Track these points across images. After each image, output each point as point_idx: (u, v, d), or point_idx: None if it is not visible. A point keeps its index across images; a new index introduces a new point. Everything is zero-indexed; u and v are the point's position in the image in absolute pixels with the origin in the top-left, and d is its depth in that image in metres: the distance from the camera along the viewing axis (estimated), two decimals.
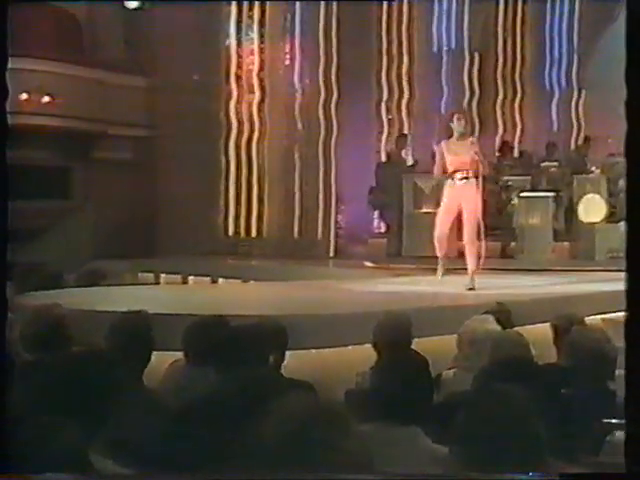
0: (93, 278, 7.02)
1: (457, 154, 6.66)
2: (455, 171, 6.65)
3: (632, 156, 2.40)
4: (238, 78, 11.09)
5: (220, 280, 9.24)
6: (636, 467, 2.16)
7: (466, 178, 6.62)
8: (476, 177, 6.61)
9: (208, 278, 9.36)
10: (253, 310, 5.22)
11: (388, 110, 12.44)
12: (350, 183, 11.42)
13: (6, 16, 2.69)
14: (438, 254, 6.86)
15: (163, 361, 3.51)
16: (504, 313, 4.10)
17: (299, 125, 11.01)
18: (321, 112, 11.11)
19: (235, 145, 11.12)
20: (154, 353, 3.25)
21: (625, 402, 2.35)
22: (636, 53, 2.37)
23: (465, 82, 13.04)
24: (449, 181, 6.74)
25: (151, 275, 9.77)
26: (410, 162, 11.81)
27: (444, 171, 6.74)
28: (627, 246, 2.34)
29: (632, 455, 2.21)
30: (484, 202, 6.79)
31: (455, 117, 6.76)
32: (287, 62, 11.09)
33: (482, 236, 6.61)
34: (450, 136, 6.76)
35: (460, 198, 6.66)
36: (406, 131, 12.24)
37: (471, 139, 6.80)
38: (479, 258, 6.64)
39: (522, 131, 13.32)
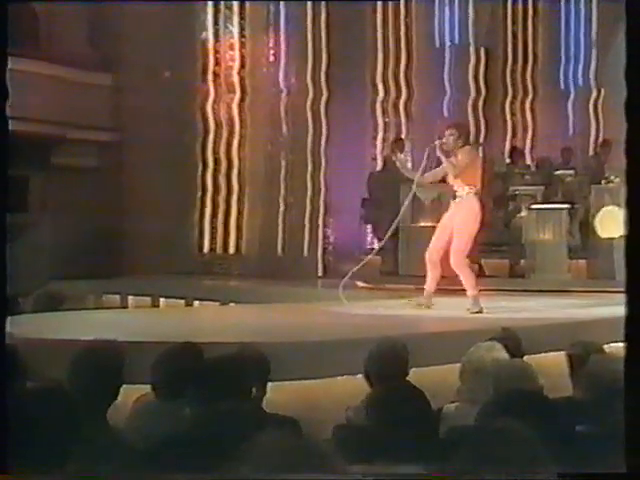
0: (51, 302, 6.99)
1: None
2: (453, 188, 6.86)
3: (632, 156, 2.56)
4: (216, 76, 11.16)
5: (195, 303, 9.24)
6: (636, 467, 2.27)
7: (459, 197, 6.81)
8: (475, 194, 6.75)
9: (181, 300, 9.36)
10: (231, 337, 5.23)
11: (384, 112, 12.52)
12: (341, 193, 11.48)
13: (6, 16, 2.82)
14: (428, 270, 6.93)
15: (129, 396, 3.51)
16: (512, 340, 4.13)
17: (284, 129, 11.07)
18: (309, 114, 11.18)
19: (212, 151, 11.16)
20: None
21: (625, 402, 2.45)
22: (636, 53, 2.49)
23: (470, 81, 13.14)
24: (452, 199, 6.95)
25: (117, 297, 9.76)
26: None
27: (442, 181, 6.85)
28: (627, 245, 2.49)
29: (632, 455, 2.34)
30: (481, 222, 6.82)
31: (447, 132, 6.85)
32: (271, 58, 11.16)
33: (474, 258, 6.80)
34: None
35: (454, 214, 6.83)
36: (404, 135, 12.32)
37: (461, 151, 6.83)
38: (474, 279, 6.75)
39: (534, 135, 13.44)
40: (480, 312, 6.63)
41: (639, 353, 2.35)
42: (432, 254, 6.88)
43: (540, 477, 1.92)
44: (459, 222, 6.75)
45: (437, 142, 6.80)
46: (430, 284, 6.92)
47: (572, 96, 13.60)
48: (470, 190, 6.76)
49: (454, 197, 6.87)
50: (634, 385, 2.42)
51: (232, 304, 8.61)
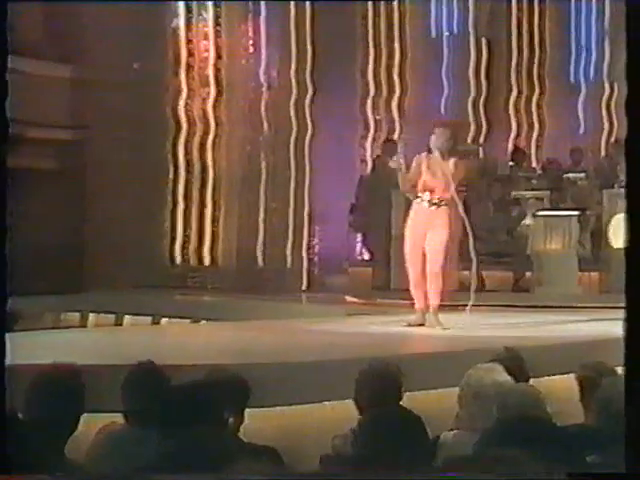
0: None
1: (435, 175, 6.86)
2: (425, 191, 6.87)
3: (632, 156, 2.71)
4: (189, 68, 11.15)
5: (164, 320, 9.21)
6: (636, 467, 2.45)
7: (438, 204, 6.84)
8: (448, 204, 6.84)
9: (149, 318, 9.33)
10: (206, 358, 5.22)
11: (375, 110, 12.56)
12: (327, 199, 11.50)
13: (6, 16, 3.09)
14: (417, 305, 7.00)
15: (90, 426, 3.49)
16: (516, 361, 4.14)
17: (265, 127, 11.09)
18: (292, 111, 11.21)
19: (185, 151, 11.16)
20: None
21: (625, 402, 2.60)
22: (636, 53, 2.68)
23: (470, 75, 13.20)
24: (417, 202, 6.94)
25: (77, 315, 9.72)
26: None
27: (413, 186, 6.93)
28: (628, 247, 2.61)
29: (632, 455, 2.53)
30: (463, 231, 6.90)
31: (436, 132, 6.91)
32: (250, 49, 11.18)
33: (448, 268, 6.86)
34: (431, 152, 6.95)
35: (428, 224, 6.86)
36: (396, 136, 12.35)
37: (453, 160, 6.90)
38: (442, 292, 6.86)
39: (540, 134, 13.51)
40: (445, 329, 6.70)
41: (639, 353, 2.47)
42: (419, 286, 7.02)
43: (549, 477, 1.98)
44: (438, 229, 6.84)
45: (453, 160, 6.87)
46: (418, 301, 7.04)
47: (583, 92, 13.66)
48: (449, 200, 6.86)
49: (426, 202, 6.88)
50: (634, 385, 2.53)
51: (206, 322, 8.60)
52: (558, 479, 2.07)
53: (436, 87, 12.90)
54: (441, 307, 7.03)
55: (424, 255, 6.88)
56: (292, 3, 11.23)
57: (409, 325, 6.98)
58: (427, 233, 6.86)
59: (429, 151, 6.96)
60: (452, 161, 6.87)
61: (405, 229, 7.09)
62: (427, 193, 6.85)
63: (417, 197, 6.93)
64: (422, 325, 6.95)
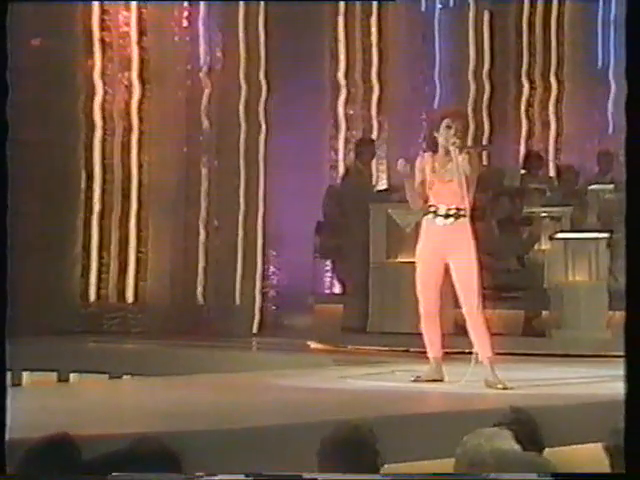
0: None
1: (443, 179, 6.88)
2: (439, 204, 6.90)
3: (632, 156, 3.11)
4: (104, 47, 11.11)
5: (74, 376, 9.17)
6: (636, 467, 2.89)
7: (455, 216, 6.87)
8: (466, 215, 6.90)
9: (53, 374, 9.29)
10: (127, 425, 5.22)
11: (348, 102, 12.62)
12: (288, 216, 11.55)
13: (6, 16, 3.77)
14: (430, 354, 7.04)
15: None
16: (526, 425, 4.18)
17: (205, 124, 11.12)
18: (242, 104, 11.24)
19: (101, 155, 11.14)
20: None
21: (625, 402, 2.88)
22: (636, 53, 3.03)
23: (471, 59, 13.28)
24: (428, 218, 6.97)
25: None
26: (381, 183, 12.05)
27: (425, 201, 6.98)
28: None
29: (632, 455, 2.98)
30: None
31: (444, 123, 6.91)
32: (185, 24, 11.21)
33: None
34: (436, 150, 7.00)
35: (447, 246, 6.90)
36: (375, 135, 12.40)
37: (465, 157, 6.90)
38: (490, 336, 6.91)
39: (558, 135, 13.62)
40: (505, 388, 6.71)
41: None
42: (434, 327, 7.07)
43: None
44: (464, 249, 6.88)
45: (462, 157, 6.88)
46: (432, 347, 7.08)
47: (613, 83, 13.73)
48: (462, 212, 6.91)
49: (441, 217, 6.95)
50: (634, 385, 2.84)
51: (128, 377, 8.58)
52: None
53: (426, 72, 12.95)
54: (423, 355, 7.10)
55: (441, 289, 6.96)
56: None
57: (417, 380, 6.95)
58: (448, 260, 6.88)
59: (433, 149, 6.99)
60: (464, 158, 6.87)
61: (416, 256, 7.09)
62: (441, 205, 6.88)
63: (427, 212, 6.95)
64: (438, 381, 6.93)
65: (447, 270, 6.94)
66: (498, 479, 2.15)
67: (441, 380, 6.96)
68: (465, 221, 6.86)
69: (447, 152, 6.88)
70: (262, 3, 11.32)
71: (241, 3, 11.26)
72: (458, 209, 6.85)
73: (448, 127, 6.87)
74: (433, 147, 7.06)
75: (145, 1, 11.00)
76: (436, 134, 6.96)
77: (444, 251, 6.91)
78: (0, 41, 3.93)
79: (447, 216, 6.88)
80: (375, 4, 12.50)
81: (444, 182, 6.88)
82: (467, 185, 6.81)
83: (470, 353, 7.05)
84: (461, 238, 6.86)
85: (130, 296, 11.19)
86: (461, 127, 6.96)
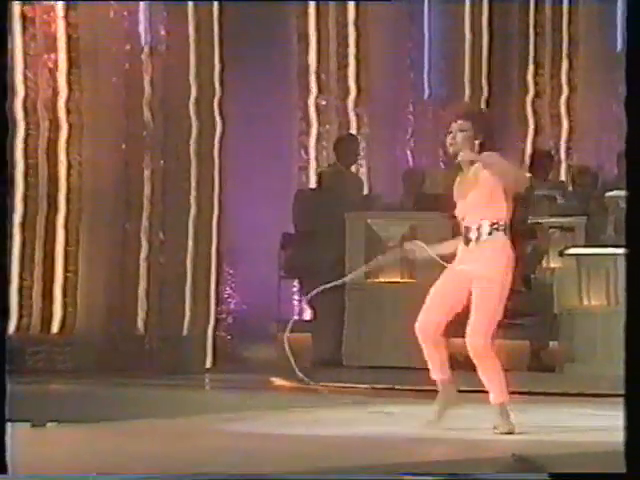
0: None
1: (464, 194, 7.07)
2: (466, 227, 7.08)
3: (632, 156, 3.65)
4: (25, 23, 11.04)
5: None
6: (636, 467, 3.71)
7: (475, 240, 7.02)
8: (504, 231, 7.06)
9: None
10: None
11: (320, 90, 12.61)
12: (248, 227, 11.54)
13: (6, 16, 4.41)
14: (425, 355, 7.08)
15: None
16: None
17: (148, 117, 11.12)
18: (192, 94, 11.22)
19: (24, 154, 11.09)
20: None
21: (625, 402, 3.54)
22: (636, 53, 3.62)
23: (467, 37, 13.31)
24: (462, 241, 7.14)
25: None
26: (362, 188, 12.07)
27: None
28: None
29: (632, 455, 3.86)
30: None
31: (453, 126, 7.02)
32: None
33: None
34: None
35: (471, 273, 7.03)
36: (354, 130, 12.43)
37: (479, 165, 7.01)
38: (503, 375, 7.01)
39: (571, 132, 13.66)
40: (511, 432, 6.80)
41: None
42: (428, 328, 7.09)
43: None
44: (485, 277, 6.98)
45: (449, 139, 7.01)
46: (437, 369, 7.11)
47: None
48: (495, 226, 7.03)
49: (466, 239, 7.06)
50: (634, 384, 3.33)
51: (51, 424, 8.52)
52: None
53: (415, 56, 13.08)
54: (428, 393, 7.18)
55: (449, 312, 7.07)
56: None
57: (433, 420, 7.02)
58: (471, 287, 7.01)
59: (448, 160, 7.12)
60: (477, 167, 7.01)
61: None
62: (470, 226, 7.05)
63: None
64: (454, 406, 7.03)
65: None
66: (498, 479, 2.27)
67: (457, 405, 7.07)
68: (492, 241, 7.02)
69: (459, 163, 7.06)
70: None
71: None
72: (480, 226, 7.03)
73: (461, 130, 6.99)
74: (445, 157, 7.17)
75: None
76: (448, 140, 7.05)
77: (464, 278, 7.02)
78: (0, 41, 4.56)
79: (468, 239, 7.04)
80: None
81: (465, 200, 7.08)
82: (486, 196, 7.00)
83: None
84: (486, 259, 7.00)
85: (56, 325, 11.09)
86: (473, 130, 7.03)
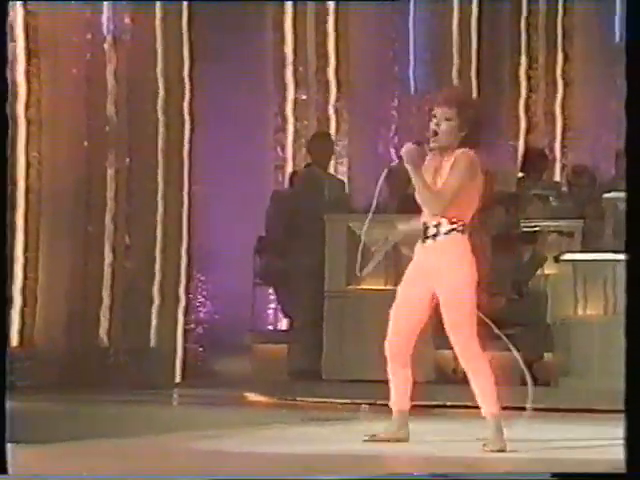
0: None
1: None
2: (424, 223, 7.05)
3: (632, 155, 4.01)
4: None
5: None
6: (636, 467, 4.08)
7: (435, 235, 6.99)
8: (462, 231, 7.00)
9: None
10: None
11: (298, 84, 12.60)
12: (219, 230, 11.54)
13: (6, 16, 4.62)
14: (390, 374, 7.14)
15: None
16: None
17: (112, 112, 11.10)
18: (160, 89, 11.18)
19: None
20: None
21: (625, 402, 3.94)
22: (636, 53, 3.94)
23: (454, 36, 13.32)
24: (420, 238, 7.09)
25: None
26: (344, 189, 12.08)
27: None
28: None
29: (632, 455, 4.28)
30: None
31: (436, 112, 6.99)
32: None
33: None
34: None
35: (425, 275, 7.03)
36: (333, 128, 12.43)
37: (460, 156, 6.99)
38: (493, 381, 7.11)
39: (566, 129, 13.69)
40: (502, 450, 6.79)
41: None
42: (396, 345, 7.10)
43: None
44: (449, 277, 6.96)
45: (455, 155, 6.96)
46: (398, 397, 7.11)
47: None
48: (454, 226, 6.99)
49: (424, 236, 7.03)
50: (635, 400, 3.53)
51: (11, 444, 8.48)
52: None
53: (398, 51, 13.13)
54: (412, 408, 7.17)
55: (418, 320, 7.07)
56: None
57: (372, 439, 7.03)
58: (433, 288, 6.98)
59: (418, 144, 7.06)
60: (447, 162, 6.99)
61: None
62: (429, 222, 7.01)
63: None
64: (400, 441, 7.03)
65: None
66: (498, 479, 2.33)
67: (405, 440, 7.03)
68: (454, 239, 6.97)
69: (440, 153, 7.01)
70: None
71: None
72: (439, 223, 6.97)
73: (446, 118, 6.94)
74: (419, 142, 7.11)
75: None
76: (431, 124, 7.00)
77: (424, 277, 7.02)
78: (0, 41, 4.85)
79: (430, 235, 7.00)
80: None
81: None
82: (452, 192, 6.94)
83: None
84: (446, 258, 6.97)
85: (14, 338, 11.02)
86: (459, 120, 6.98)
